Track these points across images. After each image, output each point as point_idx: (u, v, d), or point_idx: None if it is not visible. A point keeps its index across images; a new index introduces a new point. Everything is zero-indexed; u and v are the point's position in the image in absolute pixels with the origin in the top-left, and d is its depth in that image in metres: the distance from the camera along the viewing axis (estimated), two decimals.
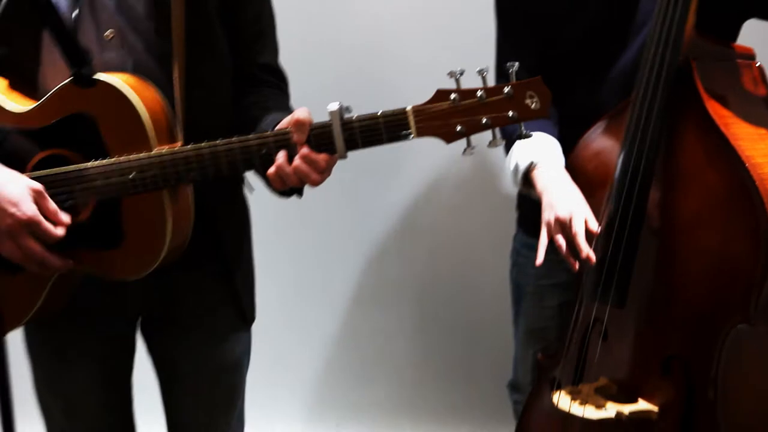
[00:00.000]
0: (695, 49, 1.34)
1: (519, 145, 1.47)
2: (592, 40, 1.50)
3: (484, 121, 1.11)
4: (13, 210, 1.13)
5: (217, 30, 1.30)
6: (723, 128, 1.27)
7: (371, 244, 2.36)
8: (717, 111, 1.30)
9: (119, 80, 1.18)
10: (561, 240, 1.37)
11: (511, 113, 1.11)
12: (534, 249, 1.42)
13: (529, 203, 1.56)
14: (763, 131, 1.31)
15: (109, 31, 1.23)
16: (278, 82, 1.41)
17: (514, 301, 1.73)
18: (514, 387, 1.76)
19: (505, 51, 1.59)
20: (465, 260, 2.33)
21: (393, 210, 2.34)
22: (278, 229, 2.18)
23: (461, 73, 1.12)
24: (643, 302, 1.37)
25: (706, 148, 1.31)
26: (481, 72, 1.12)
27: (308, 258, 2.35)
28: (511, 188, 1.62)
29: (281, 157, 1.15)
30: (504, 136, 1.14)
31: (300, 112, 1.16)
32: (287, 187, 1.18)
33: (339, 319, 2.40)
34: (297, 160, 1.14)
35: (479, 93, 1.11)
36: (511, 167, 1.51)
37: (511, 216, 1.75)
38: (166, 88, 1.24)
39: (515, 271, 1.72)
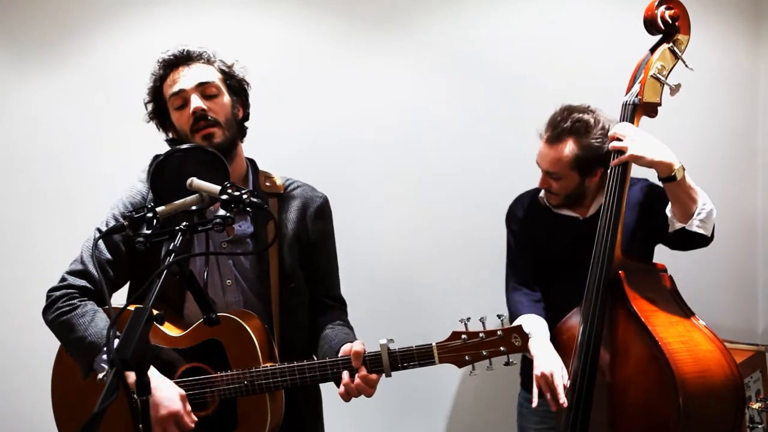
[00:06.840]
0: (623, 265, 1.96)
1: (521, 320, 2.05)
2: (561, 259, 2.19)
3: (484, 353, 1.67)
4: (166, 404, 1.68)
5: (298, 273, 1.89)
6: (644, 319, 1.89)
7: None
8: (640, 306, 1.91)
9: (238, 317, 1.76)
10: (546, 390, 1.95)
11: (502, 348, 1.66)
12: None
13: (527, 371, 2.18)
14: (675, 319, 1.92)
15: (228, 280, 1.82)
16: (341, 306, 1.99)
17: None
18: None
19: (513, 254, 2.30)
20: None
21: None
22: None
23: (468, 319, 1.67)
24: None
25: (634, 332, 1.91)
26: (481, 319, 1.67)
27: None
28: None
29: (346, 376, 1.70)
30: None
31: (357, 345, 1.71)
32: (350, 398, 1.71)
33: None
34: (357, 380, 1.68)
35: (481, 335, 1.66)
36: None
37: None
38: (264, 317, 1.83)
39: (520, 418, 2.38)
